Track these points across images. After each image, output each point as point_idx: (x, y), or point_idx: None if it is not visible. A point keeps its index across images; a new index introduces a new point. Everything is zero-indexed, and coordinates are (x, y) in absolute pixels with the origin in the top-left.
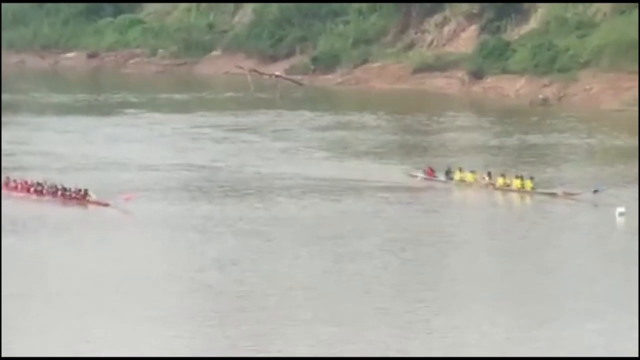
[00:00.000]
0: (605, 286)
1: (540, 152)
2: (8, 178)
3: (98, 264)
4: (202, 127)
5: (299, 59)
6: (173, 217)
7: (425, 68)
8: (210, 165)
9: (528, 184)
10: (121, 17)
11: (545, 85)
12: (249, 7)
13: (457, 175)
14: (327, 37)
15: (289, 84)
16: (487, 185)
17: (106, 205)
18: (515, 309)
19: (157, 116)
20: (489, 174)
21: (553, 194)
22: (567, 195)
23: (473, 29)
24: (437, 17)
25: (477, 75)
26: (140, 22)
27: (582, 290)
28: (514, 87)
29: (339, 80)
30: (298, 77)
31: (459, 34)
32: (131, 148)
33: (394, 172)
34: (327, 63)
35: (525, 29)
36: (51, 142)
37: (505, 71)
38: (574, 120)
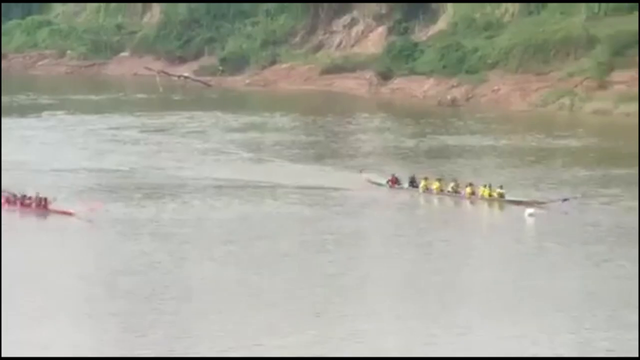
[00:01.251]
0: (500, 285)
1: (455, 154)
2: None
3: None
4: (115, 128)
5: (207, 60)
6: (88, 219)
7: (334, 69)
8: (125, 167)
9: (496, 193)
10: (29, 19)
11: (453, 86)
12: (158, 8)
13: (422, 184)
14: (236, 39)
15: (195, 84)
16: (452, 193)
17: (70, 214)
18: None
19: (70, 118)
20: (456, 183)
21: (522, 203)
22: (537, 204)
23: (381, 30)
24: (346, 18)
25: (385, 76)
26: (48, 23)
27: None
28: (422, 88)
29: (247, 81)
30: (207, 78)
31: (367, 35)
32: (45, 150)
33: (313, 173)
34: (235, 64)
35: (434, 29)
36: None
37: (413, 72)
38: (484, 122)
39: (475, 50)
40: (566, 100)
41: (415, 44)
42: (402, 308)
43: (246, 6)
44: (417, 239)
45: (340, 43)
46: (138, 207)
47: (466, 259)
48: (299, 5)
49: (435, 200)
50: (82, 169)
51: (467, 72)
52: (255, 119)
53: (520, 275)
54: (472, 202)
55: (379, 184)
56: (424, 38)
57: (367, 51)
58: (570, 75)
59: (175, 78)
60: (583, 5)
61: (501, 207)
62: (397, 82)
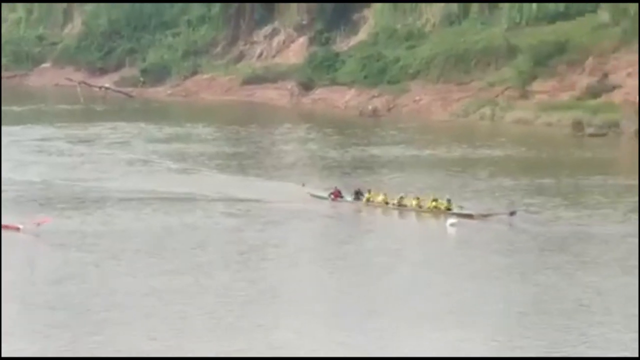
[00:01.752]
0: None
1: (380, 165)
2: None
3: None
4: (39, 139)
5: (128, 71)
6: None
7: (255, 80)
8: (49, 179)
9: (442, 205)
10: None
11: (374, 96)
12: (79, 19)
13: (367, 197)
14: (157, 49)
15: (117, 95)
16: (398, 206)
17: (17, 229)
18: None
19: None
20: (401, 196)
21: (469, 216)
22: (483, 217)
23: (302, 40)
24: (267, 29)
25: (307, 86)
26: None
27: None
28: (344, 99)
29: (169, 92)
30: (128, 89)
31: (289, 45)
32: None
33: (238, 184)
34: (156, 75)
35: (355, 40)
36: None
37: (334, 82)
38: (407, 132)
39: (397, 60)
40: (487, 110)
41: (337, 54)
42: (322, 319)
43: (167, 17)
44: (343, 250)
45: (261, 53)
46: (62, 218)
47: (387, 271)
48: (220, 15)
49: (377, 212)
50: (5, 180)
51: (388, 82)
52: (178, 129)
53: (442, 285)
54: (417, 214)
55: (321, 197)
56: (345, 48)
57: (289, 61)
58: (491, 85)
59: (97, 89)
60: (504, 15)
61: (446, 219)
62: (318, 93)
